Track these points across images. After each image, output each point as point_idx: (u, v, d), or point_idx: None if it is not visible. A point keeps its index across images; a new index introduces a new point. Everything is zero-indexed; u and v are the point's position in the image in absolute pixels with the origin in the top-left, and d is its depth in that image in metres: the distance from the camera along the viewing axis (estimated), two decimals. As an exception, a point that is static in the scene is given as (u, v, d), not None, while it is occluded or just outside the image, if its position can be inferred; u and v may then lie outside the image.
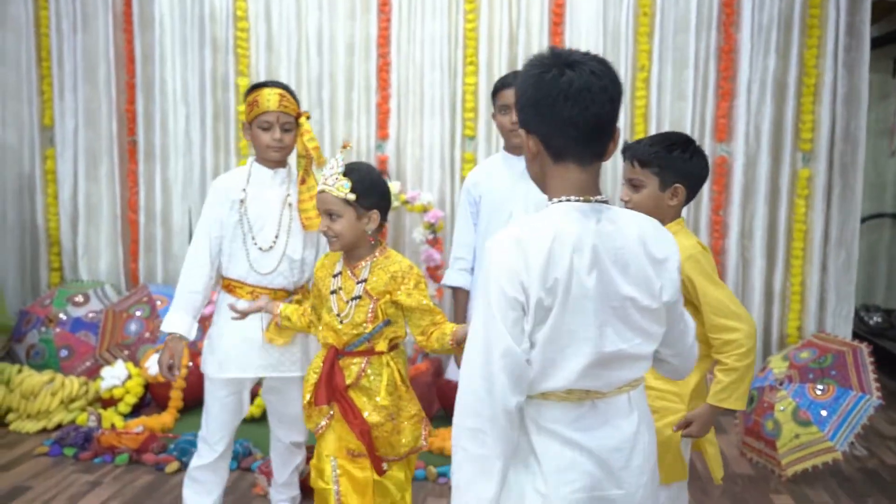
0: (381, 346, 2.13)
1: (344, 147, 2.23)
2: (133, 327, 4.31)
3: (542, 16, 4.28)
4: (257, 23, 4.46)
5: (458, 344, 2.00)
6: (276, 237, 2.51)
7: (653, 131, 4.27)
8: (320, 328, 2.22)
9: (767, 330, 4.38)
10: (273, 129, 2.46)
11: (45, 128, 4.70)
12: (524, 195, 2.57)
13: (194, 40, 4.52)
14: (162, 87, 4.58)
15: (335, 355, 2.14)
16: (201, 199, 4.58)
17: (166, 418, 3.80)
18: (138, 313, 4.35)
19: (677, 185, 2.03)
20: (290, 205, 2.53)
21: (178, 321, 2.52)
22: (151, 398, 4.08)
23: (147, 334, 4.29)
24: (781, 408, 3.45)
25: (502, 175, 2.65)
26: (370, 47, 4.40)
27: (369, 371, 2.13)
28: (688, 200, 2.08)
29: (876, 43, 4.54)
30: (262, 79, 4.44)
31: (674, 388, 2.04)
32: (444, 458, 3.49)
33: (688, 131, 4.23)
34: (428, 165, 4.39)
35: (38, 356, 4.24)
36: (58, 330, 4.29)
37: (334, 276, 2.18)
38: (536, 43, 4.31)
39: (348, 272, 2.15)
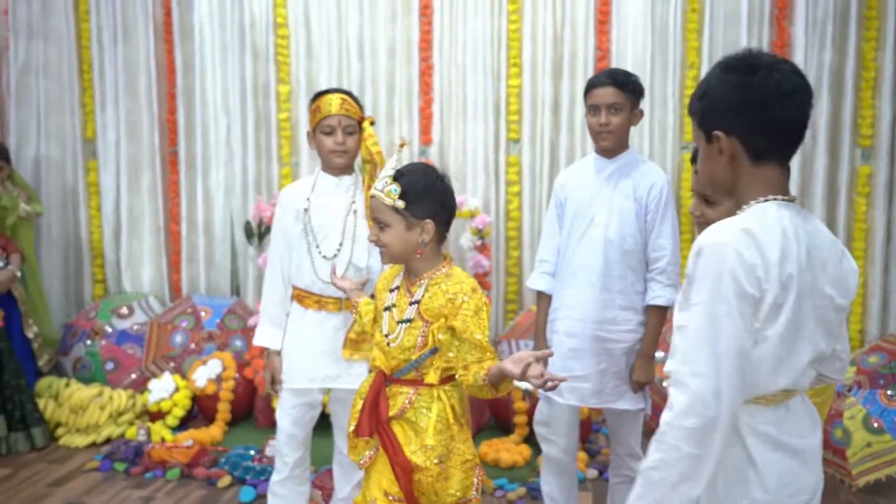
0: (432, 377, 1.87)
1: (401, 146, 1.95)
2: (178, 339, 4.27)
3: (587, 14, 4.18)
4: (297, 29, 4.41)
5: (492, 384, 1.77)
6: (341, 244, 2.45)
7: (704, 131, 4.14)
8: (373, 346, 2.02)
9: (827, 333, 4.22)
10: (335, 132, 2.42)
11: (87, 140, 4.69)
12: (609, 201, 2.47)
13: (234, 49, 4.49)
14: (203, 97, 4.56)
15: (383, 381, 1.92)
16: (243, 209, 4.55)
17: (215, 431, 3.75)
18: (183, 324, 4.32)
19: None
20: (355, 212, 2.47)
21: (267, 336, 2.56)
22: (198, 411, 4.04)
23: (192, 345, 4.26)
24: (851, 415, 3.31)
25: (589, 177, 2.53)
26: (412, 51, 4.33)
27: (418, 403, 1.88)
28: None
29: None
30: (303, 86, 4.40)
31: None
32: (498, 469, 3.40)
33: (740, 130, 4.10)
34: (472, 170, 4.31)
35: (85, 369, 4.22)
36: (103, 342, 4.27)
37: (391, 290, 1.97)
38: (582, 43, 4.21)
39: (405, 289, 1.93)
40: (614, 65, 4.12)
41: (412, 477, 1.86)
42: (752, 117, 1.36)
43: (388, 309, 1.94)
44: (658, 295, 2.45)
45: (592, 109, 2.46)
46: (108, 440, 3.76)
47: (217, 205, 4.63)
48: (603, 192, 2.48)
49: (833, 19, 4.03)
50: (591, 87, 2.48)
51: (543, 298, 2.62)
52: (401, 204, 1.83)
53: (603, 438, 3.75)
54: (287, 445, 2.55)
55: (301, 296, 2.50)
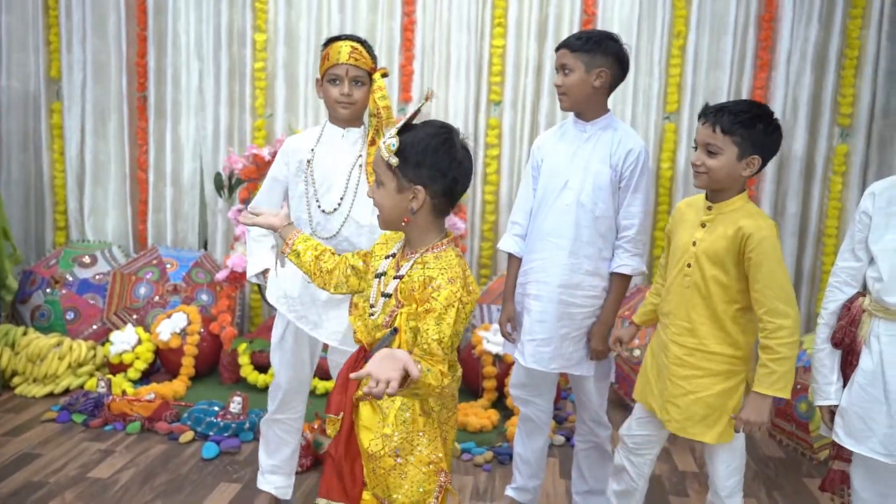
0: None
1: (427, 98, 1.72)
2: (142, 291, 4.16)
3: (575, -24, 4.09)
4: (276, -26, 4.25)
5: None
6: (342, 199, 2.35)
7: (686, 102, 4.11)
8: (351, 314, 1.80)
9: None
10: (342, 82, 2.31)
11: (51, 80, 4.49)
12: (584, 165, 2.41)
13: (209, -9, 4.32)
14: (175, 41, 4.38)
15: (362, 356, 1.75)
16: (214, 159, 4.42)
17: (178, 386, 3.67)
18: (148, 276, 4.20)
19: (754, 156, 2.01)
20: (360, 166, 2.37)
21: (260, 260, 2.47)
22: (161, 365, 3.95)
23: (157, 298, 4.15)
24: (816, 390, 3.34)
25: (566, 140, 2.47)
26: (394, 4, 4.20)
27: None
28: (755, 173, 2.08)
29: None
30: (281, 35, 4.26)
31: (736, 352, 2.08)
32: (466, 433, 3.38)
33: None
34: (451, 131, 4.22)
35: (44, 318, 4.09)
36: (64, 291, 4.14)
37: (387, 256, 1.78)
38: (568, 6, 4.12)
39: (397, 259, 1.74)
40: (600, 27, 4.04)
41: (368, 464, 1.71)
42: None
43: (378, 277, 1.75)
44: (623, 263, 2.41)
45: (557, 71, 2.44)
46: (66, 391, 3.66)
47: (187, 154, 4.48)
48: (579, 155, 2.42)
49: (821, -6, 4.00)
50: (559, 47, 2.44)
51: (514, 261, 2.57)
52: (394, 161, 1.62)
53: (570, 405, 3.75)
54: (279, 387, 2.54)
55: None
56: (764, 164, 2.05)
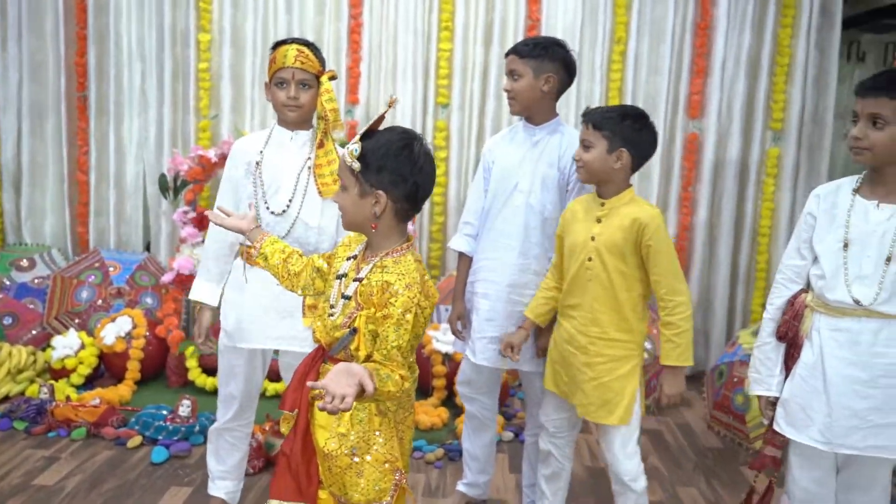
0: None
1: (390, 104, 1.73)
2: (84, 294, 4.08)
3: (519, -18, 4.18)
4: (222, -27, 4.22)
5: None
6: (291, 200, 2.37)
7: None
8: (312, 316, 1.86)
9: (732, 306, 4.44)
10: (289, 86, 2.33)
11: (-15, 80, 4.37)
12: (533, 168, 2.48)
13: (152, -9, 4.26)
14: (117, 41, 4.31)
15: (319, 355, 1.77)
16: (157, 161, 4.36)
17: (123, 390, 3.62)
18: (90, 279, 4.12)
19: (622, 149, 2.20)
20: (309, 168, 2.39)
21: (205, 290, 2.49)
22: (106, 370, 3.88)
23: (100, 302, 4.07)
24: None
25: (516, 144, 2.55)
26: (341, 6, 4.22)
27: None
28: (634, 170, 2.27)
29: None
30: (227, 36, 4.23)
31: (633, 338, 2.27)
32: (417, 431, 3.42)
33: (662, 107, 4.23)
34: (399, 133, 4.26)
35: (-20, 323, 3.98)
36: (1, 296, 4.03)
37: (349, 258, 1.80)
38: (513, 11, 4.21)
39: (358, 262, 1.77)
40: (544, 33, 4.15)
41: (324, 463, 1.74)
42: None
43: (339, 278, 1.77)
44: None
45: (506, 76, 2.51)
46: (6, 398, 3.56)
47: (129, 155, 4.41)
48: (528, 158, 2.50)
49: (753, 4, 4.18)
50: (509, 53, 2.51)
51: (464, 260, 2.64)
52: (356, 166, 1.65)
53: (518, 402, 3.83)
54: (229, 399, 2.52)
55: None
56: (638, 161, 2.24)
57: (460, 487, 2.81)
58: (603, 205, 2.25)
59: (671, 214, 4.34)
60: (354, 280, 1.72)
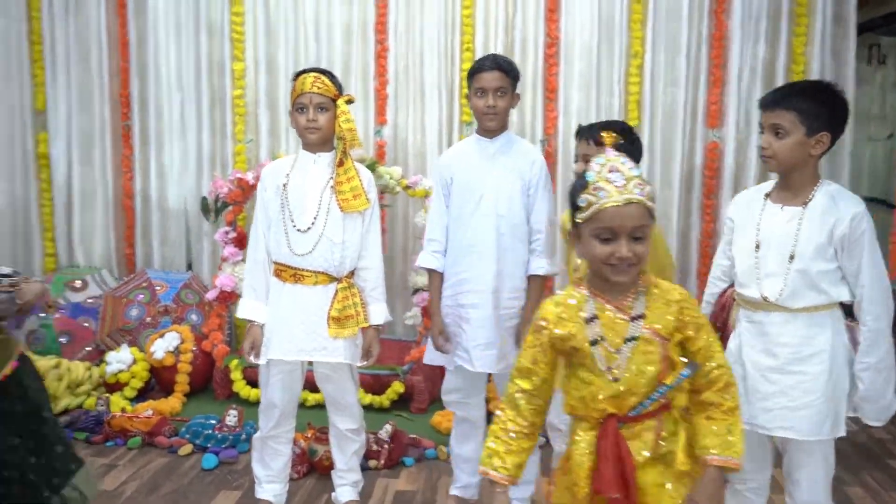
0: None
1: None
2: (134, 312, 4.32)
3: (537, 3, 4.34)
4: (255, 7, 4.45)
5: None
6: (315, 218, 2.57)
7: (646, 117, 4.36)
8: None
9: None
10: (308, 110, 2.54)
11: (37, 112, 4.65)
12: (496, 179, 2.63)
13: (189, 24, 4.51)
14: (157, 72, 4.57)
15: (613, 427, 1.62)
16: (197, 185, 4.60)
17: (174, 402, 3.84)
18: (139, 298, 4.36)
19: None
20: (331, 187, 2.60)
21: (250, 308, 2.65)
22: (156, 383, 4.11)
23: (148, 319, 4.31)
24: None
25: (473, 157, 2.68)
26: (368, 33, 4.43)
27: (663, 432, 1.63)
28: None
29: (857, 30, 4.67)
30: (261, 65, 4.48)
31: None
32: (438, 434, 3.57)
33: (680, 117, 4.35)
34: (428, 151, 4.45)
35: (39, 342, 4.23)
36: (57, 315, 4.28)
37: (589, 320, 1.65)
38: (532, 29, 4.37)
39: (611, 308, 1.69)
40: (564, 52, 4.32)
41: None
42: None
43: (594, 343, 1.63)
44: (539, 265, 2.66)
45: (479, 92, 2.63)
46: (65, 411, 3.79)
47: (171, 181, 4.66)
48: (488, 170, 2.65)
49: (767, 14, 4.27)
50: (477, 70, 2.65)
51: (436, 276, 2.74)
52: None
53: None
54: (270, 409, 2.69)
55: (279, 270, 2.62)
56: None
57: (454, 492, 2.91)
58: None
59: (693, 223, 4.45)
60: (632, 319, 1.62)
